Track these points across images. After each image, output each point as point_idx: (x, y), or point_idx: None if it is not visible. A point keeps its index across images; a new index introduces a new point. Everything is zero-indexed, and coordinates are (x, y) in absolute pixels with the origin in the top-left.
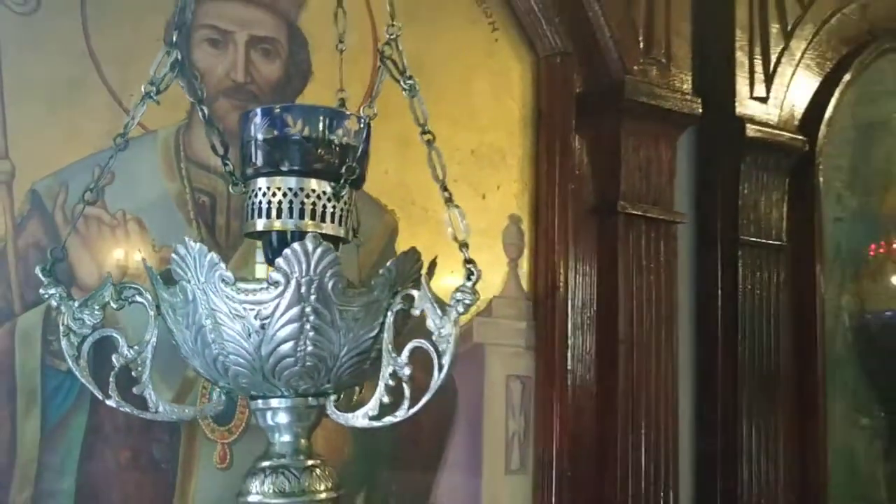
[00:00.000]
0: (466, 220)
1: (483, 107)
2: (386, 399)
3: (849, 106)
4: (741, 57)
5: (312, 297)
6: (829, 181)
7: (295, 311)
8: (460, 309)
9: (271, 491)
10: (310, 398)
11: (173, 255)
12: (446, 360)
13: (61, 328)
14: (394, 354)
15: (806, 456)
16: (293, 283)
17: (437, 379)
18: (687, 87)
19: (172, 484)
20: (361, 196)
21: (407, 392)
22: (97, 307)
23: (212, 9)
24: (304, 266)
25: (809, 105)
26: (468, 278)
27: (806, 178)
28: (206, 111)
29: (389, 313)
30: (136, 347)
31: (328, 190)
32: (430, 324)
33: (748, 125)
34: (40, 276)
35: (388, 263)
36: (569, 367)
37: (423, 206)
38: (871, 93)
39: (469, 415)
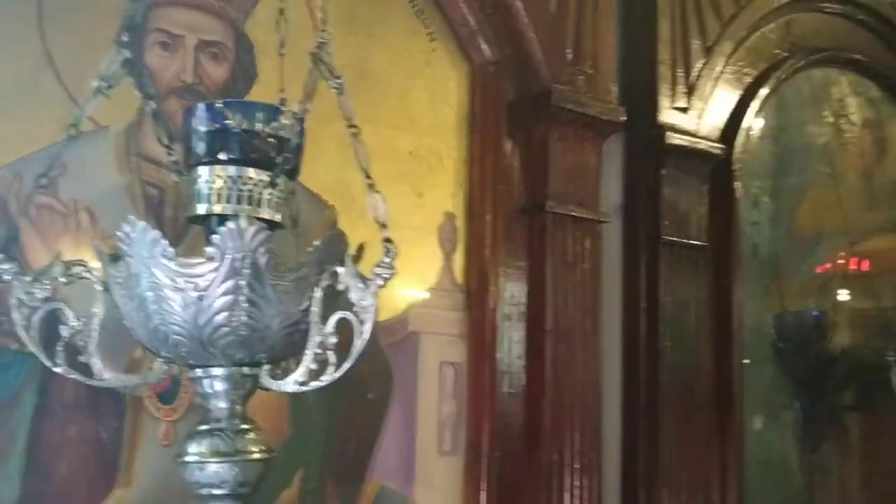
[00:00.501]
0: (386, 205)
1: (421, 112)
2: (314, 366)
3: (767, 117)
4: (664, 70)
5: (246, 272)
6: (746, 187)
7: (230, 284)
8: (379, 282)
9: (207, 451)
10: (245, 368)
11: (118, 233)
12: (366, 329)
13: (13, 301)
14: (321, 325)
15: (726, 451)
16: (228, 258)
17: (357, 346)
18: (612, 96)
19: (117, 460)
20: (303, 192)
21: (333, 360)
22: (47, 281)
23: (163, 14)
24: (238, 243)
25: (729, 116)
26: (386, 255)
27: (724, 183)
28: (153, 105)
29: (318, 288)
30: (83, 319)
31: (265, 178)
32: (352, 297)
33: (669, 133)
34: None
35: (315, 242)
36: (498, 355)
37: (362, 203)
38: (788, 106)
39: (404, 398)
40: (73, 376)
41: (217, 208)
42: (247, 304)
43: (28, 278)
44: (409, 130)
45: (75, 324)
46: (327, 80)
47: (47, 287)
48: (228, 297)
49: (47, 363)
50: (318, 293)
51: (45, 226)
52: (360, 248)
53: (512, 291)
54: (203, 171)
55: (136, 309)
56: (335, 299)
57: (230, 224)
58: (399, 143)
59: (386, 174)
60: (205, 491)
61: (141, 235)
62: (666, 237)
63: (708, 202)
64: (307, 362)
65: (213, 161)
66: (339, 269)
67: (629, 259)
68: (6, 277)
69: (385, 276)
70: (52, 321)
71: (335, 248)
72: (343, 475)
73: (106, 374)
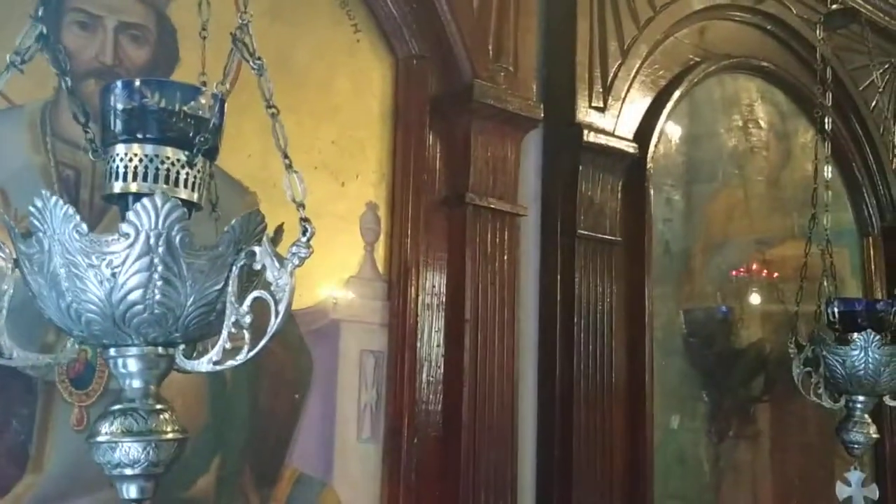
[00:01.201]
0: (304, 185)
1: (345, 102)
2: (228, 345)
3: (680, 119)
4: (582, 69)
5: (160, 249)
6: (658, 185)
7: (144, 261)
8: (295, 261)
9: (119, 430)
10: (160, 347)
11: (30, 208)
12: (282, 308)
13: None
14: (237, 305)
15: (636, 445)
16: (142, 235)
17: (273, 324)
18: (531, 93)
19: (27, 446)
20: (223, 177)
21: (248, 338)
22: None
23: None
24: (152, 220)
25: (644, 117)
26: (303, 234)
27: (637, 181)
28: (68, 81)
29: (234, 268)
30: None
31: (182, 158)
32: (268, 276)
33: (585, 131)
34: None
35: (232, 221)
36: (418, 344)
37: (283, 189)
38: (700, 108)
39: (324, 386)
40: None
41: (133, 187)
42: (161, 283)
43: None
44: (332, 120)
45: None
46: (247, 61)
47: None
48: (142, 275)
49: None
50: (234, 272)
51: None
52: (279, 229)
53: (433, 281)
54: (120, 150)
55: (47, 287)
56: (254, 281)
57: (145, 201)
58: (321, 133)
59: (308, 163)
60: (117, 471)
61: (54, 211)
62: (582, 231)
63: (622, 199)
64: (222, 342)
65: (131, 139)
66: (256, 249)
67: (546, 252)
68: None
69: (301, 254)
70: None
71: (252, 228)
72: (261, 461)
73: (14, 353)
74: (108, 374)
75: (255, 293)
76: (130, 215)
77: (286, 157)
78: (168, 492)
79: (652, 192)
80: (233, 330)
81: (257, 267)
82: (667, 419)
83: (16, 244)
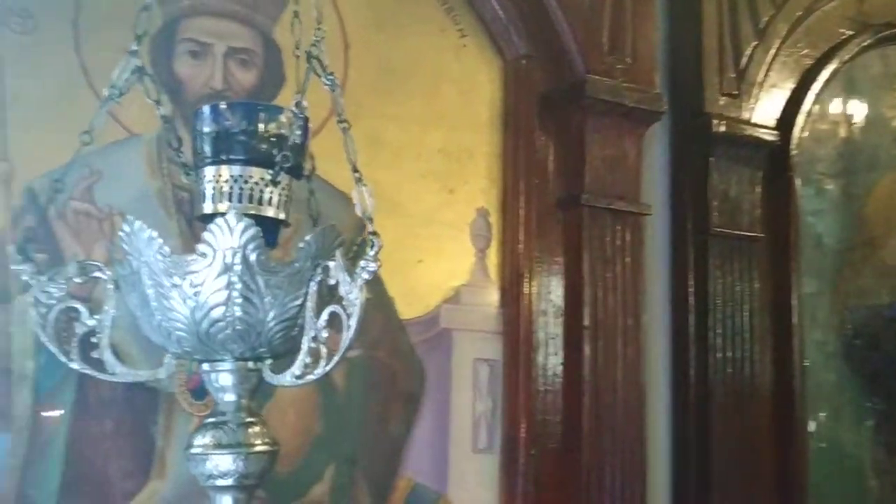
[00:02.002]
0: (373, 199)
1: (451, 108)
2: (309, 360)
3: (831, 100)
4: (710, 55)
5: (237, 267)
6: (807, 175)
7: (222, 279)
8: (365, 276)
9: (211, 443)
10: (249, 363)
11: (119, 233)
12: (353, 322)
13: (31, 300)
14: (315, 319)
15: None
16: (219, 254)
17: (346, 339)
18: (652, 85)
19: (151, 453)
20: (330, 190)
21: (324, 353)
22: (62, 281)
23: (193, 23)
24: (227, 239)
25: (786, 101)
26: (370, 248)
27: (780, 171)
28: (161, 110)
29: (312, 283)
30: (97, 317)
31: (266, 177)
32: (341, 290)
33: (716, 120)
34: (13, 253)
35: (307, 238)
36: (534, 351)
37: (390, 200)
38: (857, 86)
39: (436, 396)
40: (86, 371)
41: (221, 207)
42: (240, 299)
43: (44, 278)
44: (439, 127)
45: (90, 321)
46: (320, 77)
47: (62, 286)
48: (222, 293)
49: (62, 358)
50: (312, 288)
51: (83, 230)
52: (343, 242)
53: (548, 287)
54: (209, 172)
55: (140, 306)
56: (335, 295)
57: (219, 220)
58: (428, 140)
59: (415, 171)
60: (210, 483)
61: (139, 235)
62: (715, 229)
63: (763, 192)
64: (302, 356)
65: (218, 161)
66: (330, 264)
67: (676, 253)
68: (24, 277)
69: (370, 269)
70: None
71: (328, 243)
72: (374, 471)
73: (118, 369)
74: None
75: (330, 308)
76: (206, 235)
77: (356, 170)
78: (284, 499)
79: (798, 182)
80: (312, 345)
81: (332, 282)
82: (822, 428)
83: (114, 267)
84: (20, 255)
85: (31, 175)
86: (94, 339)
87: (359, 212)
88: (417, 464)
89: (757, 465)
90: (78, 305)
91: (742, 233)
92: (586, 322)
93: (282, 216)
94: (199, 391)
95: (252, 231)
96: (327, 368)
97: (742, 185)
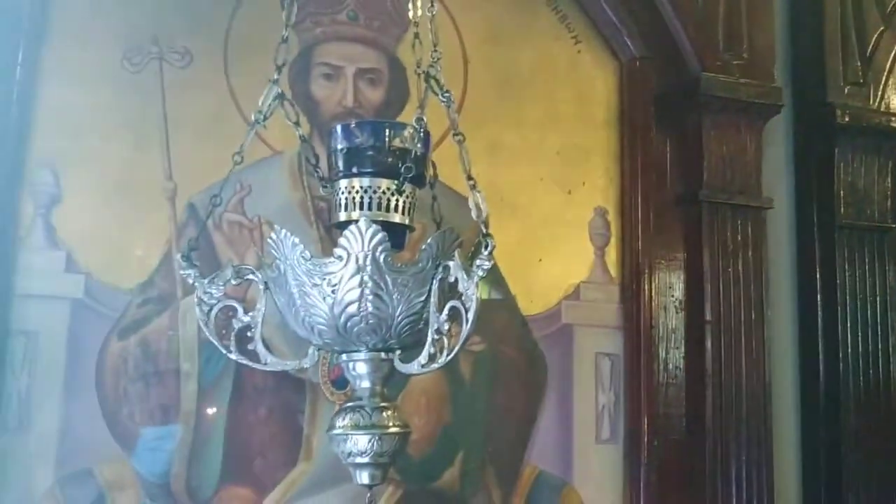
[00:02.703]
0: (486, 204)
1: (568, 112)
2: (433, 350)
3: None
4: (832, 44)
5: (368, 268)
6: None
7: (356, 279)
8: (480, 273)
9: (350, 424)
10: (381, 353)
11: (268, 240)
12: (471, 315)
13: (195, 300)
14: (437, 314)
15: None
16: (353, 256)
17: (464, 331)
18: (770, 78)
19: (300, 437)
20: (453, 196)
21: (446, 344)
22: (221, 283)
23: (325, 49)
24: (359, 243)
25: None
26: (484, 248)
27: None
28: (299, 131)
29: (434, 281)
30: (251, 314)
31: (392, 187)
32: (460, 287)
33: (839, 111)
34: (179, 260)
35: (428, 240)
36: (655, 346)
37: (510, 203)
38: None
39: (559, 388)
40: (242, 361)
41: (354, 215)
42: (371, 297)
43: (206, 280)
44: (555, 131)
45: (245, 318)
46: (437, 95)
47: (221, 288)
48: (356, 291)
49: (223, 350)
50: (434, 285)
51: (236, 238)
52: (462, 244)
53: (668, 282)
54: (342, 184)
55: (286, 304)
56: (457, 292)
57: (353, 227)
58: (546, 144)
59: (534, 175)
60: (350, 460)
61: (285, 241)
62: (843, 221)
63: (893, 181)
64: (428, 347)
65: (350, 174)
66: (450, 263)
67: (802, 246)
68: (189, 281)
69: (485, 267)
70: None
71: (448, 244)
72: (501, 458)
73: (269, 359)
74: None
75: (451, 303)
76: (342, 241)
77: (470, 178)
78: (418, 482)
79: None
80: (436, 336)
81: (451, 280)
82: None
83: (264, 270)
84: (185, 262)
85: (191, 192)
86: (248, 334)
87: (474, 216)
88: (542, 452)
89: (891, 462)
90: (235, 304)
91: (872, 224)
92: (708, 316)
93: (407, 221)
94: (340, 382)
95: (380, 236)
96: (449, 357)
97: (870, 174)
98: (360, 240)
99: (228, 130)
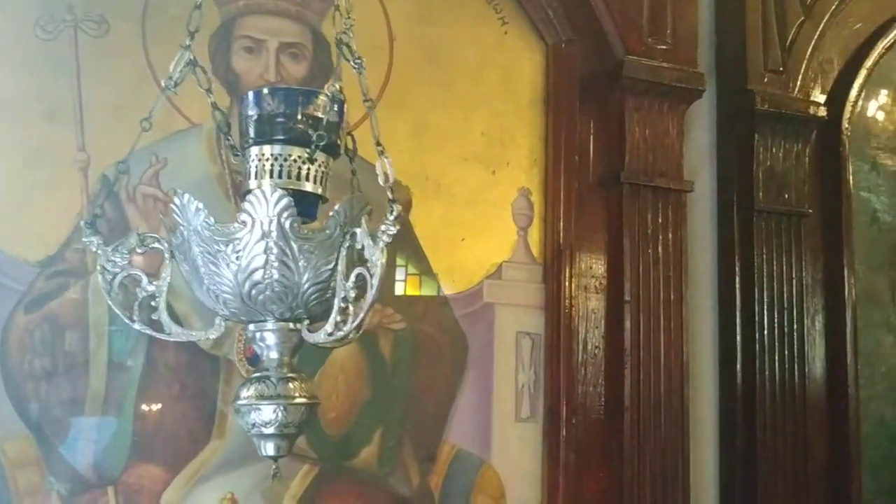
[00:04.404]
0: (393, 170)
1: (494, 93)
2: (339, 319)
3: (888, 74)
4: (754, 32)
5: (273, 234)
6: (860, 150)
7: (260, 245)
8: (385, 238)
9: (254, 395)
10: (290, 324)
11: (171, 206)
12: (375, 281)
13: (98, 268)
14: (344, 282)
15: (838, 434)
16: (257, 222)
17: (369, 297)
18: (692, 63)
19: (213, 415)
20: (374, 170)
21: (352, 311)
22: (125, 251)
23: (248, 22)
24: (264, 208)
25: (839, 75)
26: (390, 213)
27: (831, 146)
28: (211, 98)
29: (342, 248)
30: (156, 283)
31: (304, 155)
32: (366, 254)
33: (759, 97)
34: (83, 227)
35: (336, 206)
36: (575, 325)
37: (435, 182)
38: None
39: (480, 367)
40: (146, 331)
41: (264, 183)
42: (277, 263)
43: (109, 249)
44: (481, 112)
45: (149, 287)
46: (349, 61)
47: (126, 256)
48: (261, 257)
49: (125, 319)
50: (342, 253)
51: (150, 211)
52: (370, 211)
53: (589, 263)
54: (253, 151)
55: (192, 272)
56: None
57: (256, 192)
58: (471, 125)
59: (458, 155)
60: (255, 431)
61: (188, 207)
62: (761, 205)
63: (812, 167)
64: (334, 316)
65: (261, 141)
66: (357, 230)
67: (722, 229)
68: (93, 248)
69: (390, 232)
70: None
71: (356, 211)
72: (420, 436)
73: (173, 329)
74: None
75: (357, 270)
76: (246, 205)
77: (379, 144)
78: (335, 460)
79: (851, 157)
80: (342, 305)
81: (358, 247)
82: (880, 407)
83: (169, 236)
84: (88, 229)
85: (105, 163)
86: (153, 304)
87: (381, 181)
88: (461, 431)
89: (805, 440)
90: (139, 273)
91: (789, 209)
92: (627, 297)
93: (320, 191)
94: (256, 359)
95: (285, 201)
96: (355, 324)
97: (788, 160)
98: (264, 205)
99: (145, 102)
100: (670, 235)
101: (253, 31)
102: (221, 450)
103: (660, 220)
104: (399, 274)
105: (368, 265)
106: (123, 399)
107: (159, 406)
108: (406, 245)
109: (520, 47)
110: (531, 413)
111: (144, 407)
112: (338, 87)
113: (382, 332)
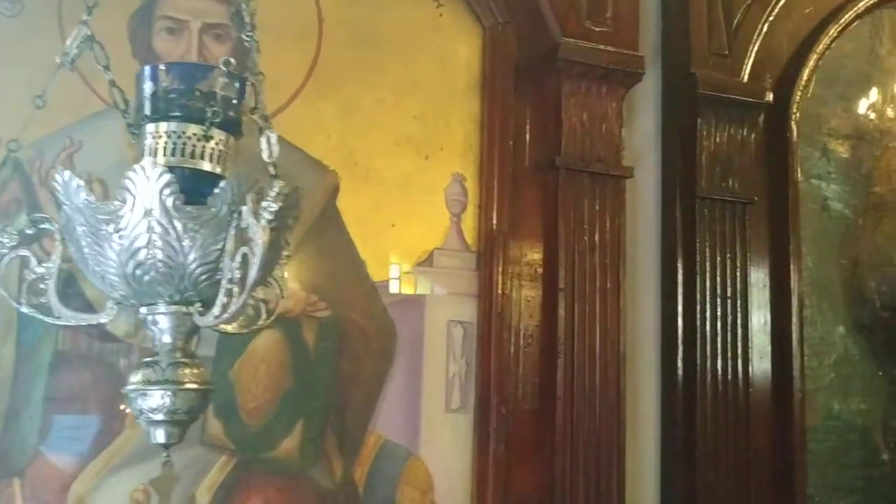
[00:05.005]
0: (278, 146)
1: (428, 76)
2: (226, 300)
3: (840, 59)
4: (698, 15)
5: (155, 212)
6: (810, 136)
7: (143, 223)
8: (266, 216)
9: (141, 380)
10: (184, 307)
11: (53, 184)
12: (256, 261)
13: None
14: (230, 261)
15: (783, 428)
16: (139, 199)
17: (250, 277)
18: (632, 46)
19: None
20: (302, 156)
21: (235, 291)
22: (14, 232)
23: (170, 1)
24: (146, 185)
25: (788, 59)
26: (272, 189)
27: (778, 132)
28: (109, 75)
29: (231, 228)
30: (46, 265)
31: (199, 132)
32: (250, 233)
33: (702, 81)
34: None
35: (221, 183)
36: (508, 314)
37: (365, 167)
38: (867, 44)
39: (409, 356)
40: (34, 314)
41: (160, 161)
42: (160, 243)
43: None
44: (414, 95)
45: (38, 269)
46: (242, 34)
47: (14, 237)
48: (144, 236)
49: (13, 303)
50: (231, 232)
51: None
52: (260, 190)
53: (524, 251)
54: (150, 128)
55: (77, 253)
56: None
57: (136, 167)
58: (403, 108)
59: (390, 139)
60: (144, 417)
61: (70, 184)
62: (704, 192)
63: (759, 154)
64: (221, 297)
65: (157, 118)
66: (243, 208)
67: (666, 216)
68: None
69: (271, 209)
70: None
71: (244, 190)
72: (345, 427)
73: (63, 312)
74: (197, 343)
75: (242, 249)
76: (126, 182)
77: (265, 118)
78: (253, 452)
79: (800, 143)
80: (229, 286)
81: (244, 225)
82: (827, 399)
83: (58, 216)
84: None
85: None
86: (41, 286)
87: (265, 157)
88: (388, 421)
89: (748, 433)
90: (27, 254)
91: (733, 196)
92: (562, 284)
93: (218, 170)
94: None
95: (167, 178)
96: (238, 306)
97: (733, 146)
98: (145, 182)
99: (60, 84)
100: (608, 222)
101: (175, 12)
102: (134, 440)
103: (597, 207)
104: (325, 260)
105: (252, 244)
106: (31, 387)
107: (69, 394)
108: (333, 231)
109: (455, 30)
110: (462, 404)
111: (54, 395)
112: (234, 61)
113: (306, 320)
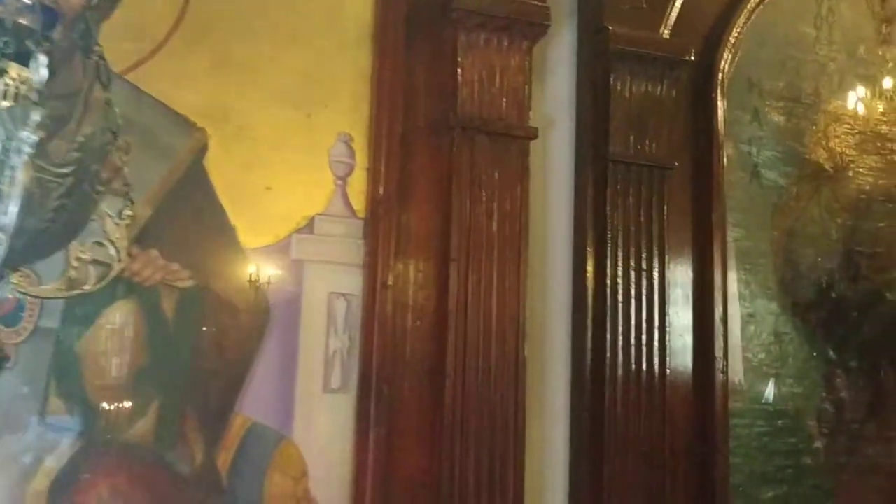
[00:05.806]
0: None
1: (312, 27)
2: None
3: (777, 16)
4: None
5: None
6: (740, 98)
7: None
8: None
9: None
10: None
11: None
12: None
13: None
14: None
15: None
16: None
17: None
18: None
19: None
20: (165, 111)
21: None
22: None
23: None
24: None
25: (718, 16)
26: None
27: (703, 93)
28: None
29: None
30: None
31: None
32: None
33: (615, 36)
34: None
35: None
36: (396, 285)
37: (237, 124)
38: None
39: (283, 330)
40: None
41: None
42: None
43: None
44: (296, 47)
45: None
46: None
47: None
48: None
49: None
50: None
51: None
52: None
53: (415, 217)
54: None
55: None
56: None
57: None
58: (285, 61)
59: (268, 94)
60: None
61: None
62: (616, 155)
63: (679, 116)
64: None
65: None
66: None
67: (579, 181)
68: None
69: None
70: None
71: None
72: (206, 408)
73: None
74: (39, 313)
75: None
76: None
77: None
78: (102, 434)
79: (729, 106)
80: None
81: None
82: (756, 381)
83: None
84: None
85: None
86: None
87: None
88: (258, 402)
89: (664, 417)
90: None
91: (650, 161)
92: (454, 254)
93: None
94: (10, 317)
95: None
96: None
97: (651, 107)
98: None
99: None
100: (509, 188)
101: None
102: None
103: (497, 171)
104: (188, 225)
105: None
106: None
107: None
108: (199, 193)
109: None
110: (343, 383)
111: None
112: None
113: (166, 290)
